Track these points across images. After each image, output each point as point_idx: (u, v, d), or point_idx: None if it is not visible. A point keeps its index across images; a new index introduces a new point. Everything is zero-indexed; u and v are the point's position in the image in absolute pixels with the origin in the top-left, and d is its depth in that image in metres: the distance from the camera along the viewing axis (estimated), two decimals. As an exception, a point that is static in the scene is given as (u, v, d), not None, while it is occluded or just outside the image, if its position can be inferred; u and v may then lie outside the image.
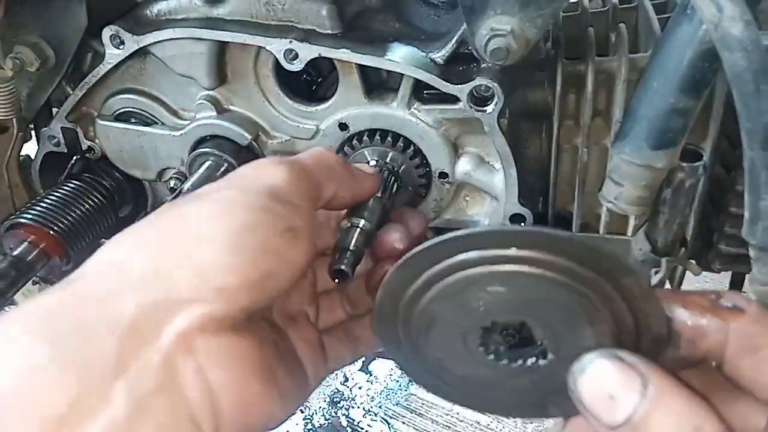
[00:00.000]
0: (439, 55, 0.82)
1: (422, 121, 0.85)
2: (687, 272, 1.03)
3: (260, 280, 0.51)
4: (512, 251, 0.53)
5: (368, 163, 0.87)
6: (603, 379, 0.48)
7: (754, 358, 0.48)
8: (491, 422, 2.22)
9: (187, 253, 0.50)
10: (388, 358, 0.67)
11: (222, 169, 0.90)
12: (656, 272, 0.86)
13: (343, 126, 0.88)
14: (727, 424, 0.45)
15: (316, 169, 0.62)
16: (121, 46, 0.90)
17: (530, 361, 0.56)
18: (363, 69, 0.85)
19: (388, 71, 0.86)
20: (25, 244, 0.94)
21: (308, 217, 0.58)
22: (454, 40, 0.81)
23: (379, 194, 0.74)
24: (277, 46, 0.83)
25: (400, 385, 2.37)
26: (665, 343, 0.52)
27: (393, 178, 0.86)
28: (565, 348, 0.54)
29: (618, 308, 0.52)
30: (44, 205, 0.97)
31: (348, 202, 0.69)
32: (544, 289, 0.53)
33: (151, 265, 0.50)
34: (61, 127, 1.00)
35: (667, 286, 0.96)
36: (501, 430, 2.20)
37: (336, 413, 2.28)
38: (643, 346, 0.53)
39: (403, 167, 0.87)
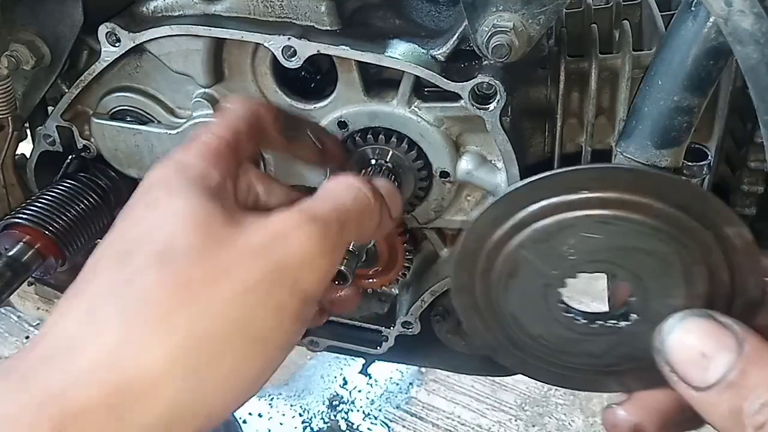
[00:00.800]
0: (440, 52, 0.81)
1: (423, 119, 0.84)
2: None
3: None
4: (613, 194, 0.51)
5: (369, 161, 0.86)
6: (695, 338, 0.47)
7: None
8: (493, 426, 2.21)
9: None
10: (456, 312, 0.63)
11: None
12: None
13: (342, 124, 0.87)
14: None
15: (353, 221, 0.58)
16: (117, 44, 0.89)
17: (612, 321, 0.54)
18: (362, 66, 0.84)
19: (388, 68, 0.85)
20: (21, 244, 0.93)
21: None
22: (455, 37, 0.80)
23: None
24: (275, 43, 0.82)
25: (400, 389, 2.36)
26: (759, 307, 0.51)
27: (393, 177, 0.85)
28: (653, 308, 0.52)
29: (716, 262, 0.50)
30: (39, 205, 0.96)
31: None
32: (643, 237, 0.51)
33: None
34: (57, 126, 0.99)
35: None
36: (502, 433, 2.19)
37: (335, 417, 2.27)
38: (735, 310, 0.51)
39: (403, 166, 0.86)
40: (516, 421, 2.25)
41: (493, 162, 0.86)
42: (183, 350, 0.46)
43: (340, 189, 0.59)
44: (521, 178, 0.83)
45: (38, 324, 2.16)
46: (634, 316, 0.54)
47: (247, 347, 0.49)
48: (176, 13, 0.88)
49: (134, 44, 0.88)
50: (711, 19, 0.63)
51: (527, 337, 0.59)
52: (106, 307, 0.49)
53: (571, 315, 0.56)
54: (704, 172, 0.79)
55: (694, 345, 0.47)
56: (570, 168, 0.54)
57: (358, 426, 2.24)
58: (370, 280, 1.04)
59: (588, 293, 0.73)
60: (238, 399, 0.50)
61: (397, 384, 2.37)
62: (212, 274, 0.49)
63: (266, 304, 0.49)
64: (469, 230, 0.58)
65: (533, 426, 2.22)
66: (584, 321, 0.56)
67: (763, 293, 0.50)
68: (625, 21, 0.92)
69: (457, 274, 0.59)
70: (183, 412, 0.46)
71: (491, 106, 0.79)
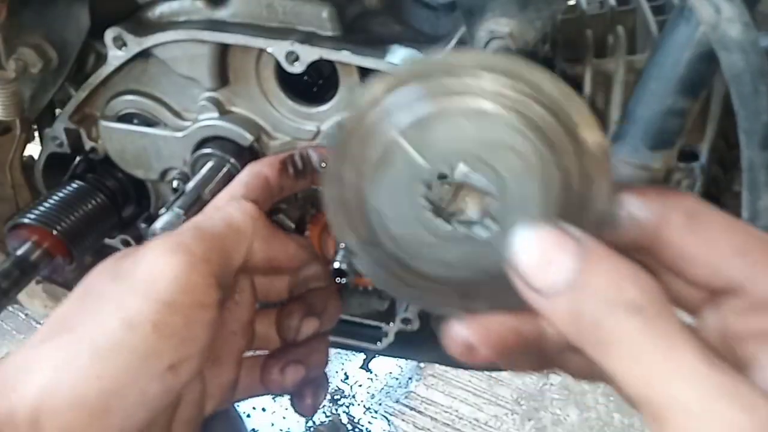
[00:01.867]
0: (439, 57, 0.83)
1: (422, 122, 0.86)
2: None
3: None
4: (482, 83, 0.50)
5: None
6: (540, 244, 0.47)
7: (696, 230, 0.49)
8: (489, 419, 2.23)
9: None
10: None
11: (224, 169, 0.91)
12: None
13: (343, 127, 0.89)
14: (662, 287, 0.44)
15: (226, 236, 0.61)
16: (123, 48, 0.90)
17: (472, 228, 0.53)
18: (363, 71, 0.85)
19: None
20: (29, 243, 0.95)
21: (200, 336, 0.56)
22: (453, 43, 0.82)
23: None
24: (278, 49, 0.84)
25: (399, 383, 2.38)
26: (609, 223, 0.50)
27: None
28: (510, 215, 0.52)
29: (570, 167, 0.50)
30: (47, 205, 0.98)
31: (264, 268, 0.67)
32: (511, 132, 0.50)
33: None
34: (64, 128, 1.00)
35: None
36: (499, 427, 2.21)
37: (337, 410, 2.29)
38: (585, 225, 0.49)
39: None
40: (512, 415, 2.27)
41: (490, 163, 0.88)
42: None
43: (208, 210, 0.67)
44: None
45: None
46: (491, 223, 0.53)
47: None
48: (182, 19, 0.90)
49: (141, 48, 0.90)
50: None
51: (388, 238, 0.56)
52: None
53: (433, 215, 0.54)
54: (696, 174, 0.81)
55: (538, 250, 0.47)
56: (453, 51, 0.55)
57: (359, 420, 2.26)
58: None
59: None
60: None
61: (397, 379, 2.40)
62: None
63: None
64: (350, 108, 0.55)
65: (529, 420, 2.24)
66: (442, 221, 0.54)
67: (612, 207, 0.51)
68: (619, 26, 0.94)
69: (332, 158, 0.56)
70: None
71: (489, 110, 0.80)
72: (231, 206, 0.65)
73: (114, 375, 0.51)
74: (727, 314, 0.48)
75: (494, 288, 0.52)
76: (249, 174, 0.71)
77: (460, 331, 0.55)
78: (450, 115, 0.51)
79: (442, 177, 0.53)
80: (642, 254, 0.50)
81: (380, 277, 0.59)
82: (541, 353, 0.57)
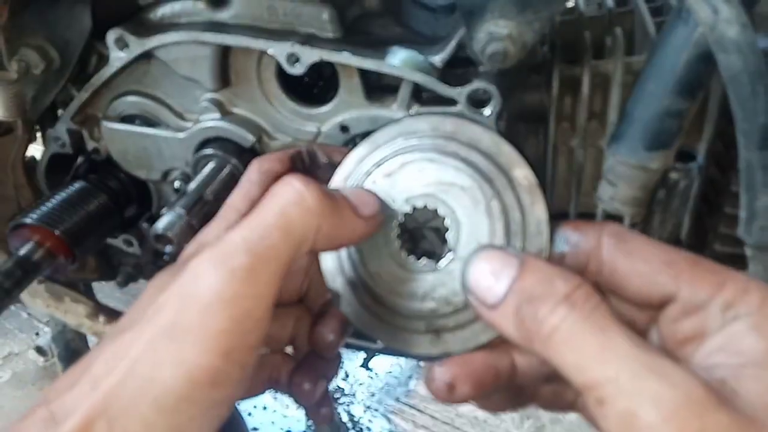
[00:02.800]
0: (438, 59, 0.83)
1: (421, 123, 0.86)
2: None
3: None
4: (437, 140, 0.62)
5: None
6: (487, 263, 0.53)
7: (626, 248, 0.55)
8: (488, 418, 2.24)
9: None
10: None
11: (225, 169, 0.91)
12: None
13: (344, 128, 0.89)
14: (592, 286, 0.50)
15: (282, 247, 0.54)
16: (125, 49, 0.91)
17: (433, 259, 0.62)
18: (363, 72, 0.86)
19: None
20: (31, 243, 0.95)
21: (250, 368, 0.53)
22: (452, 44, 0.83)
23: None
24: (279, 50, 0.84)
25: (399, 382, 2.39)
26: (550, 249, 0.59)
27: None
28: (463, 243, 0.61)
29: (510, 200, 0.60)
30: (50, 205, 0.98)
31: (326, 250, 0.63)
32: (458, 174, 0.61)
33: None
34: (67, 129, 1.01)
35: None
36: (498, 425, 2.22)
37: (337, 409, 2.29)
38: (528, 249, 0.60)
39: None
40: (511, 413, 2.27)
41: (489, 164, 0.89)
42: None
43: (264, 202, 0.56)
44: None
45: (48, 321, 2.18)
46: (450, 253, 0.61)
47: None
48: (184, 20, 0.91)
49: (142, 50, 0.90)
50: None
51: (368, 275, 0.64)
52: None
53: (403, 251, 0.63)
54: (693, 174, 0.81)
55: (485, 268, 0.53)
56: (410, 116, 0.68)
57: (359, 418, 2.27)
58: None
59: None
60: None
61: (397, 377, 2.40)
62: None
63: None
64: (340, 169, 0.66)
65: (528, 418, 2.24)
66: (411, 257, 0.62)
67: (551, 234, 0.59)
68: (618, 28, 0.94)
69: None
70: None
71: (487, 111, 0.81)
72: (286, 201, 0.55)
73: (177, 428, 0.50)
74: (664, 324, 0.54)
75: (457, 320, 0.62)
76: (259, 172, 0.69)
77: (440, 371, 0.60)
78: (409, 165, 0.62)
79: (407, 215, 0.63)
80: (587, 276, 0.55)
81: (361, 317, 0.67)
82: (516, 389, 0.63)
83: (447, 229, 0.61)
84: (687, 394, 0.43)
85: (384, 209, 0.61)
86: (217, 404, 0.52)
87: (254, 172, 0.69)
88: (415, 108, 0.86)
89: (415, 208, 0.62)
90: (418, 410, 2.28)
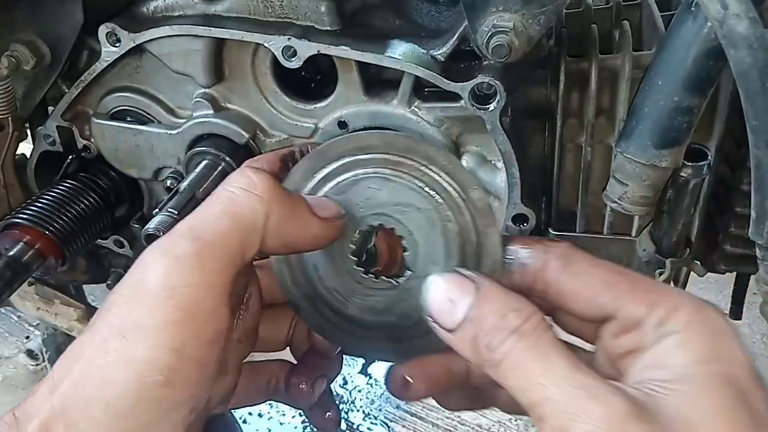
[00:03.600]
0: (440, 53, 0.81)
1: (423, 119, 0.84)
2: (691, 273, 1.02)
3: None
4: (391, 156, 0.62)
5: None
6: (444, 288, 0.56)
7: (570, 270, 0.59)
8: (493, 426, 2.22)
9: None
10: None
11: (219, 168, 0.89)
12: (660, 273, 0.86)
13: (342, 124, 0.87)
14: (542, 314, 0.55)
15: (230, 233, 0.53)
16: (117, 44, 0.89)
17: (391, 277, 0.64)
18: (362, 66, 0.84)
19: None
20: (21, 244, 0.93)
21: (213, 367, 0.52)
22: (455, 37, 0.80)
23: None
24: (275, 43, 0.82)
25: (400, 388, 2.36)
26: (501, 269, 0.62)
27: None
28: (420, 263, 0.63)
29: (465, 222, 0.62)
30: (40, 205, 0.97)
31: (282, 252, 0.62)
32: (414, 194, 0.62)
33: None
34: (57, 126, 0.99)
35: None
36: (502, 433, 2.20)
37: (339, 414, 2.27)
38: (483, 269, 0.62)
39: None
40: (515, 421, 2.25)
41: (493, 162, 0.87)
42: None
43: (216, 191, 0.57)
44: (522, 179, 0.83)
45: (38, 324, 2.17)
46: (408, 272, 0.63)
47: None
48: (176, 14, 0.89)
49: (134, 44, 0.88)
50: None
51: (325, 289, 0.66)
52: None
53: (360, 269, 0.64)
54: (704, 172, 0.79)
55: (443, 294, 0.56)
56: (362, 132, 0.68)
57: (358, 426, 2.24)
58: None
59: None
60: None
61: (397, 384, 2.38)
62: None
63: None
64: (285, 181, 0.64)
65: (532, 426, 2.22)
66: (370, 275, 0.64)
67: (503, 254, 0.62)
68: (625, 21, 0.93)
69: None
70: None
71: (491, 107, 0.79)
72: (235, 188, 0.55)
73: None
74: (606, 339, 0.58)
75: (416, 332, 0.64)
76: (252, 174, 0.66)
77: (398, 370, 0.67)
78: (363, 182, 0.62)
79: (363, 233, 0.64)
80: (534, 296, 0.59)
81: (322, 327, 0.68)
82: (473, 390, 0.68)
83: (405, 249, 0.63)
84: (612, 409, 0.48)
85: (344, 216, 0.62)
86: (177, 407, 0.50)
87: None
88: (417, 103, 0.84)
89: (371, 227, 0.63)
90: (419, 418, 2.26)
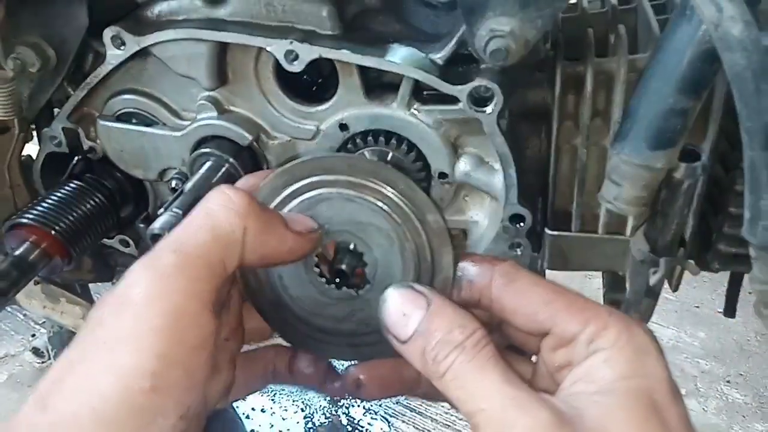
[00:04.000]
0: (439, 56, 0.82)
1: (422, 121, 0.85)
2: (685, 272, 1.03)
3: None
4: (357, 179, 0.66)
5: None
6: (399, 303, 0.61)
7: (512, 288, 0.63)
8: (491, 421, 2.22)
9: None
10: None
11: (223, 169, 0.90)
12: (654, 272, 0.86)
13: (343, 126, 0.88)
14: (484, 330, 0.59)
15: (212, 251, 0.56)
16: (122, 47, 0.90)
17: (351, 288, 0.68)
18: (363, 70, 0.85)
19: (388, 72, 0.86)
20: (27, 244, 0.94)
21: (202, 371, 0.54)
22: (453, 41, 0.82)
23: None
24: (277, 47, 0.83)
25: (400, 384, 2.37)
26: (452, 285, 0.67)
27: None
28: (379, 276, 0.68)
29: (421, 242, 0.67)
30: (46, 205, 0.97)
31: (260, 264, 0.64)
32: (373, 215, 0.66)
33: None
34: (63, 128, 1.00)
35: (666, 286, 0.96)
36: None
37: (336, 412, 2.28)
38: (436, 284, 0.67)
39: (402, 167, 0.88)
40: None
41: (490, 163, 0.88)
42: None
43: (196, 207, 0.60)
44: (518, 180, 0.85)
45: (44, 322, 2.18)
46: (367, 284, 0.68)
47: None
48: (180, 17, 0.90)
49: (139, 47, 0.89)
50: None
51: (289, 298, 0.70)
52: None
53: (323, 280, 0.68)
54: (698, 173, 0.80)
55: (398, 309, 0.60)
56: (327, 154, 0.74)
57: (359, 421, 2.25)
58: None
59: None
60: None
61: (397, 380, 2.39)
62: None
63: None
64: (257, 195, 0.67)
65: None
66: (332, 286, 0.68)
67: (454, 272, 0.67)
68: (621, 25, 0.93)
69: None
70: None
71: (489, 109, 0.80)
72: (214, 204, 0.59)
73: None
74: (544, 352, 0.63)
75: (374, 338, 0.67)
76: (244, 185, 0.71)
77: (353, 371, 0.72)
78: (327, 201, 0.66)
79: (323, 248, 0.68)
80: (481, 309, 0.65)
81: (285, 331, 0.72)
82: (426, 390, 0.73)
83: (365, 264, 0.68)
84: (537, 419, 0.53)
85: (319, 230, 0.66)
86: (165, 413, 0.51)
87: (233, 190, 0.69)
88: (416, 106, 0.85)
89: (335, 242, 0.68)
90: (419, 413, 2.27)
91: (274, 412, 2.24)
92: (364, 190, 0.65)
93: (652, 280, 0.86)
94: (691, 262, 0.99)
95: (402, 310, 0.60)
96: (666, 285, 0.94)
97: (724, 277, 1.11)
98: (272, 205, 0.67)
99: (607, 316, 0.60)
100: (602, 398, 0.56)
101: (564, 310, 0.61)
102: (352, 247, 0.68)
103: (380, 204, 0.65)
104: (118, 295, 0.54)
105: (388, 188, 0.65)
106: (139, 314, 0.51)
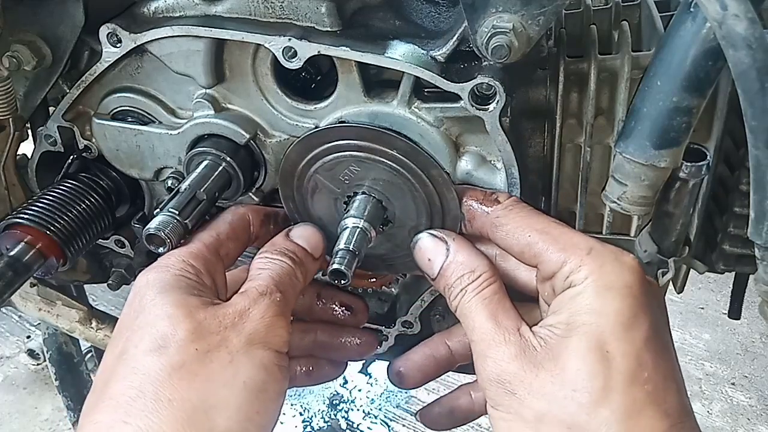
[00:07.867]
0: (440, 53, 0.81)
1: (423, 119, 0.84)
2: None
3: None
4: (365, 143, 0.82)
5: None
6: (424, 249, 0.81)
7: (502, 230, 0.77)
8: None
9: None
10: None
11: (219, 168, 0.89)
12: (663, 273, 0.86)
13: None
14: (495, 267, 0.77)
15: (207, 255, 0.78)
16: (118, 45, 0.89)
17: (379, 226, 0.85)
18: (363, 67, 0.84)
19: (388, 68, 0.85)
20: (22, 244, 0.93)
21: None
22: (455, 38, 0.80)
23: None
24: (275, 44, 0.82)
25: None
26: (460, 220, 0.83)
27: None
28: (399, 217, 0.86)
29: (429, 191, 0.83)
30: (41, 205, 0.96)
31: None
32: (383, 172, 0.83)
33: None
34: (58, 126, 0.99)
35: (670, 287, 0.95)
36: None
37: (335, 416, 2.27)
38: (446, 223, 0.84)
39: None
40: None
41: (492, 162, 0.87)
42: (188, 419, 0.63)
43: (267, 265, 0.79)
44: (521, 179, 0.84)
45: (39, 324, 2.17)
46: (390, 223, 0.87)
47: (251, 402, 0.67)
48: (177, 14, 0.89)
49: (135, 45, 0.88)
50: (709, 21, 0.64)
51: (329, 234, 0.88)
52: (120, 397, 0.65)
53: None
54: (703, 172, 0.79)
55: (424, 255, 0.81)
56: (340, 124, 0.85)
57: (358, 425, 2.24)
58: (370, 280, 1.05)
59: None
60: None
61: (397, 383, 2.38)
62: (200, 355, 0.67)
63: (252, 365, 0.68)
64: (284, 157, 0.88)
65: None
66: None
67: (461, 212, 0.82)
68: (624, 22, 0.93)
69: (282, 186, 0.90)
70: None
71: (491, 107, 0.79)
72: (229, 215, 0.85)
73: None
74: (539, 283, 0.77)
75: (404, 258, 0.89)
76: (235, 215, 0.85)
77: (393, 364, 0.93)
78: (343, 162, 0.84)
79: (349, 196, 0.86)
80: (486, 242, 0.80)
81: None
82: (462, 363, 0.91)
83: (385, 209, 0.85)
84: (502, 352, 0.69)
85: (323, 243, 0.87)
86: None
87: (230, 213, 0.85)
88: (417, 104, 0.84)
89: (355, 193, 0.86)
90: (419, 417, 2.26)
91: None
92: (373, 153, 0.83)
93: (661, 281, 0.85)
94: (697, 261, 0.98)
95: (427, 256, 0.80)
96: (670, 286, 0.94)
97: (728, 278, 1.10)
98: (301, 165, 0.87)
99: (584, 254, 0.70)
100: (560, 332, 0.68)
101: (551, 244, 0.72)
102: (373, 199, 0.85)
103: (389, 160, 0.82)
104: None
105: (393, 150, 0.82)
106: (243, 375, 0.70)
